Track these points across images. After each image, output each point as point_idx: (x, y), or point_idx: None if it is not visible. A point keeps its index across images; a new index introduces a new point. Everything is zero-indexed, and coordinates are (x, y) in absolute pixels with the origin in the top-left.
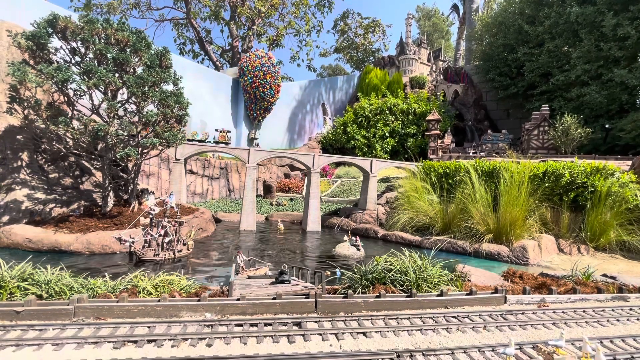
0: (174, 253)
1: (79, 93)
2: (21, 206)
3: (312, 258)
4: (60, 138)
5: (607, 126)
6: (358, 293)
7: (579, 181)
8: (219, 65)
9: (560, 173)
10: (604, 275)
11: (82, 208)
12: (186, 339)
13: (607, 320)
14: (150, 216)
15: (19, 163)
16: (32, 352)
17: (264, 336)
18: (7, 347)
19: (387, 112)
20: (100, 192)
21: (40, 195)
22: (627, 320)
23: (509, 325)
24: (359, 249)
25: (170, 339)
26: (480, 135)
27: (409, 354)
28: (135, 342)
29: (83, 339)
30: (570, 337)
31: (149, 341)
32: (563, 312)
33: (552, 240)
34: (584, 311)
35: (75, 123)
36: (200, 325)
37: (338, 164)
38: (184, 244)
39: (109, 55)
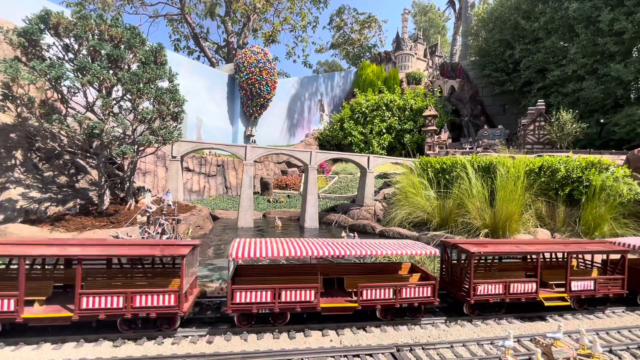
0: None
1: (72, 90)
2: (16, 205)
3: None
4: (55, 136)
5: (602, 121)
6: None
7: (574, 176)
8: (215, 61)
9: (555, 168)
10: None
11: (78, 206)
12: (186, 337)
13: (603, 312)
14: (147, 214)
15: (13, 162)
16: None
17: (264, 332)
18: None
19: (384, 108)
20: (96, 190)
21: (35, 194)
22: (622, 312)
23: (506, 318)
24: None
25: (170, 336)
26: (477, 131)
27: (409, 348)
28: (135, 340)
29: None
30: (568, 329)
31: (149, 339)
32: None
33: (548, 235)
34: None
35: (70, 121)
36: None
37: (335, 161)
38: None
39: (102, 51)
